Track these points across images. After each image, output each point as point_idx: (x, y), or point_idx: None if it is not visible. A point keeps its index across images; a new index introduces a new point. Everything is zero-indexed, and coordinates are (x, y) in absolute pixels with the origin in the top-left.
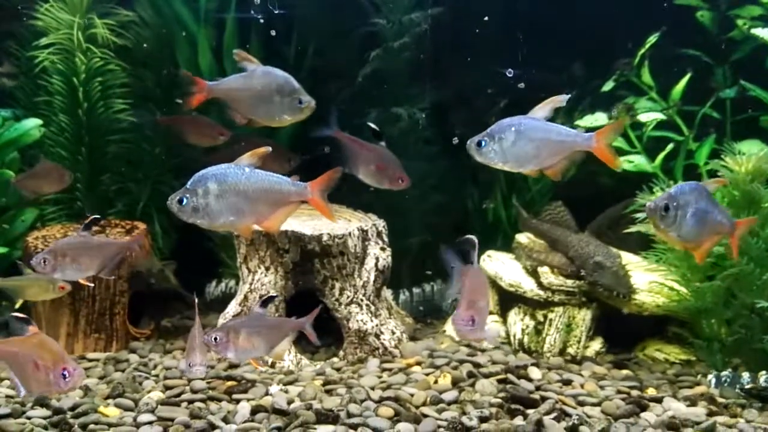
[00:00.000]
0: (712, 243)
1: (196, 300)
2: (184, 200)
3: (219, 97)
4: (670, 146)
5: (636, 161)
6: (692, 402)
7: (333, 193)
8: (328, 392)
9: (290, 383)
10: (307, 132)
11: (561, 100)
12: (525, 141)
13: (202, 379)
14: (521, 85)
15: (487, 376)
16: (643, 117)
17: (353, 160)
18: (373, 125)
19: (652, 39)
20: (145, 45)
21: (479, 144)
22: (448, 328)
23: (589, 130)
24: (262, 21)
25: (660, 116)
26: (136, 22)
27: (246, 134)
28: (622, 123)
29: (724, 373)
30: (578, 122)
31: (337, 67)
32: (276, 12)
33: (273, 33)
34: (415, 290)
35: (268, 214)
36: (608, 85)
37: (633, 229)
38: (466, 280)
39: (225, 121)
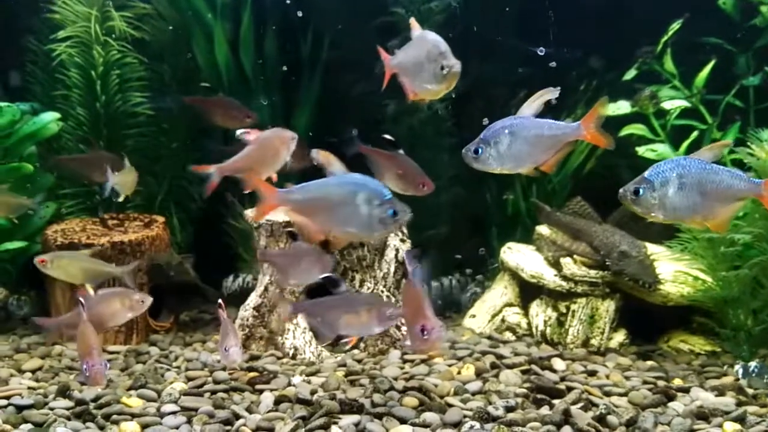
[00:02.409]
0: (731, 210)
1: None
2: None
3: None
4: (695, 134)
5: (659, 150)
6: (720, 392)
7: None
8: (351, 383)
9: (312, 374)
10: (322, 125)
11: (550, 93)
12: (520, 141)
13: (227, 371)
14: (549, 67)
15: (510, 367)
16: (667, 105)
17: (377, 170)
18: (388, 137)
19: (675, 26)
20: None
21: (476, 152)
22: (468, 320)
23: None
24: (278, 13)
25: (684, 104)
26: (152, 15)
27: (270, 125)
28: (603, 105)
29: (751, 363)
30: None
31: (354, 58)
32: (290, 2)
33: (289, 25)
34: (434, 284)
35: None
36: (630, 74)
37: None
38: (404, 295)
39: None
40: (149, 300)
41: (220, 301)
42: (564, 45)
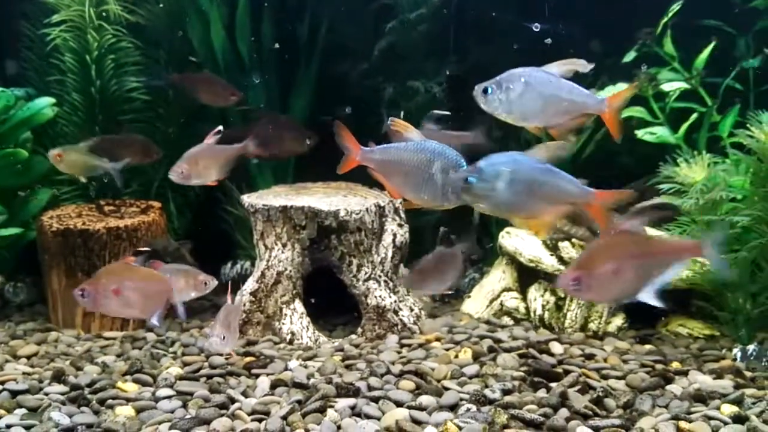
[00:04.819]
0: (556, 213)
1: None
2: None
3: None
4: (694, 116)
5: (659, 132)
6: (718, 375)
7: (348, 172)
8: (348, 367)
9: (309, 359)
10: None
11: (583, 65)
12: (533, 94)
13: (220, 355)
14: (548, 49)
15: (508, 351)
16: (666, 87)
17: None
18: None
19: (675, 8)
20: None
21: (485, 91)
22: (466, 305)
23: None
24: None
25: (684, 85)
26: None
27: (265, 110)
28: (635, 88)
29: (749, 346)
30: (599, 93)
31: (352, 42)
32: None
33: (285, 8)
34: None
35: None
36: (630, 56)
37: (656, 201)
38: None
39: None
40: (214, 282)
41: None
42: (563, 26)
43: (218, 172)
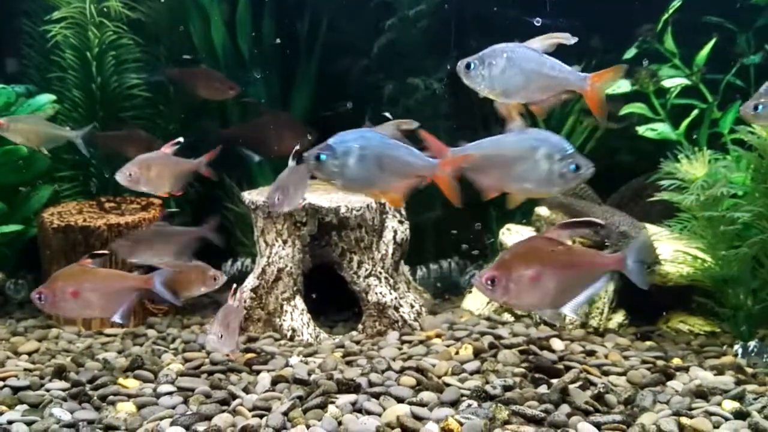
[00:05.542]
0: (406, 186)
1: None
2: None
3: None
4: (695, 113)
5: (660, 129)
6: (719, 371)
7: None
8: (349, 363)
9: (310, 355)
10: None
11: (566, 37)
12: (515, 70)
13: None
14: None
15: (508, 347)
16: (667, 83)
17: None
18: (388, 115)
19: (675, 4)
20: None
21: (468, 66)
22: (467, 302)
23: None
24: None
25: (685, 81)
26: None
27: (265, 106)
28: (620, 70)
29: (750, 343)
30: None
31: (352, 38)
32: None
33: (286, 5)
34: (433, 267)
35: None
36: (631, 52)
37: (657, 197)
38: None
39: None
40: (223, 278)
41: (234, 285)
42: (564, 22)
43: (170, 184)
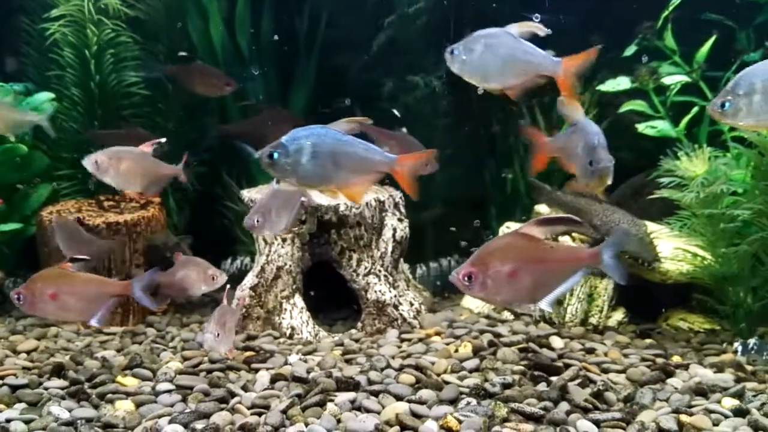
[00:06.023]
0: (365, 183)
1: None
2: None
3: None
4: (695, 110)
5: (659, 126)
6: (719, 369)
7: None
8: (348, 361)
9: (309, 353)
10: (319, 103)
11: (539, 28)
12: (492, 55)
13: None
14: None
15: (508, 345)
16: (667, 80)
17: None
18: (396, 112)
19: (675, 1)
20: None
21: (452, 52)
22: (466, 300)
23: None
24: None
25: (685, 79)
26: None
27: (267, 104)
28: (593, 54)
29: (750, 340)
30: (600, 87)
31: (351, 36)
32: None
33: (285, 3)
34: (432, 265)
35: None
36: (631, 50)
37: (657, 195)
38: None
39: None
40: (223, 277)
41: (228, 286)
42: (563, 18)
43: (141, 184)
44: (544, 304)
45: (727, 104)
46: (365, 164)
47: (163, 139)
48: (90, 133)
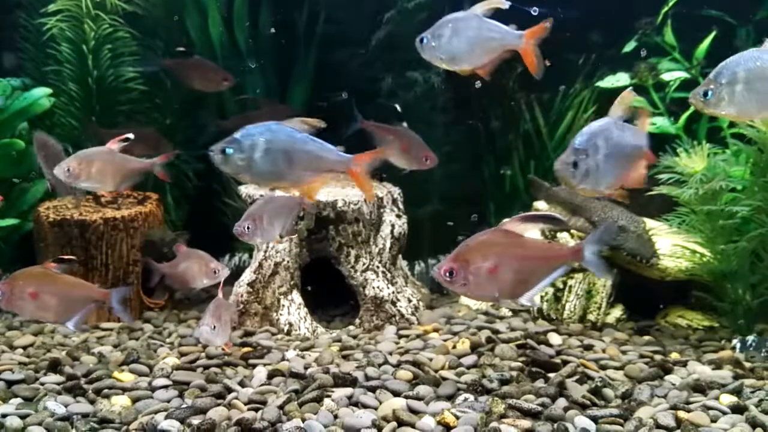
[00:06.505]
0: (320, 181)
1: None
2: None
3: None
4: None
5: (659, 123)
6: (717, 365)
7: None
8: (345, 357)
9: (307, 349)
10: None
11: (500, 3)
12: (459, 38)
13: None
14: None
15: (506, 341)
16: (666, 76)
17: (381, 145)
18: (397, 106)
19: None
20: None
21: (421, 41)
22: (464, 297)
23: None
24: None
25: (684, 75)
26: None
27: (266, 99)
28: (548, 25)
29: (749, 337)
30: (599, 83)
31: (350, 31)
32: None
33: None
34: (431, 261)
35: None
36: (630, 46)
37: (656, 191)
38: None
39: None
40: (225, 270)
41: (222, 281)
42: (562, 12)
43: (114, 182)
44: (525, 300)
45: (709, 93)
46: (320, 162)
47: (131, 135)
48: (98, 132)
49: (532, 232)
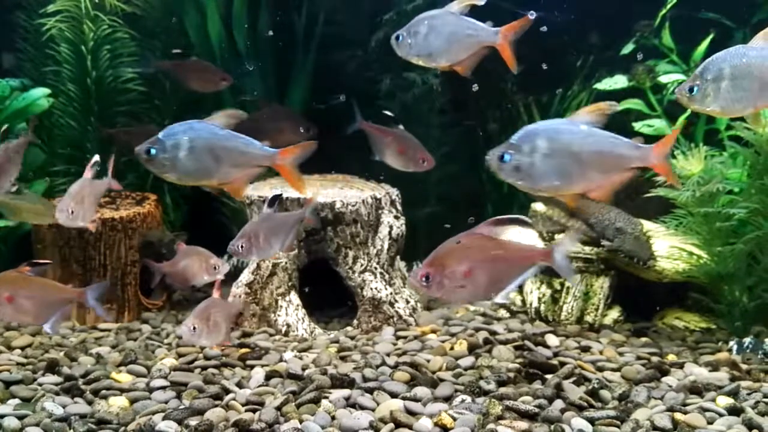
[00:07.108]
0: (248, 176)
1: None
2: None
3: None
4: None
5: (656, 125)
6: (714, 367)
7: (345, 164)
8: (343, 358)
9: (304, 350)
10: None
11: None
12: (435, 35)
13: (216, 347)
14: (547, 44)
15: (503, 343)
16: (664, 78)
17: (378, 147)
18: (389, 113)
19: (673, 0)
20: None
21: (397, 38)
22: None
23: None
24: None
25: (682, 77)
26: None
27: (267, 100)
28: (526, 21)
29: (746, 339)
30: (597, 86)
31: (349, 33)
32: None
33: (283, 0)
34: None
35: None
36: (628, 48)
37: (653, 193)
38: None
39: None
40: (225, 267)
41: (217, 280)
42: (559, 15)
43: (94, 209)
44: (499, 299)
45: (695, 89)
46: (245, 158)
47: (97, 158)
48: (107, 131)
49: (529, 234)
